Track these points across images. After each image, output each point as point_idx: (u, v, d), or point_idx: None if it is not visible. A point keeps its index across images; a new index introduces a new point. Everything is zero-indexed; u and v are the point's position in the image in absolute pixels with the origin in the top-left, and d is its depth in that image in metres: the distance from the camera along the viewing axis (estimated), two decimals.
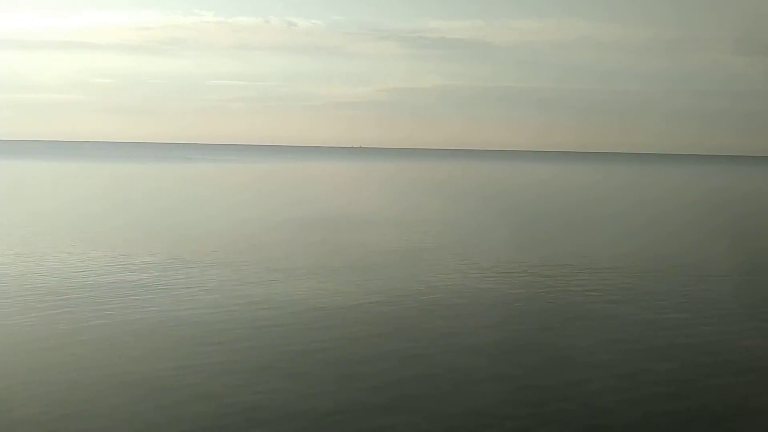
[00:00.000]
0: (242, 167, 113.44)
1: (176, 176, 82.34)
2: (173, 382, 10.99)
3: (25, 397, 10.38)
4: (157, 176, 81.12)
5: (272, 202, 45.72)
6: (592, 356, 12.71)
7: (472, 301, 17.00)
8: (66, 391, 10.64)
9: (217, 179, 77.89)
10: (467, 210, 43.24)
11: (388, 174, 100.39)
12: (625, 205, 50.63)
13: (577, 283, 19.50)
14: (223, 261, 21.95)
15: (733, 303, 17.41)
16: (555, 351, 12.99)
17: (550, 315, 15.78)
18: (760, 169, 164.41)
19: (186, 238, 27.54)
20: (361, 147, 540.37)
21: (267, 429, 9.31)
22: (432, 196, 56.19)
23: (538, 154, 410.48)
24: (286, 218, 35.42)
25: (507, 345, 13.29)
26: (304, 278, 19.41)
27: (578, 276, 20.65)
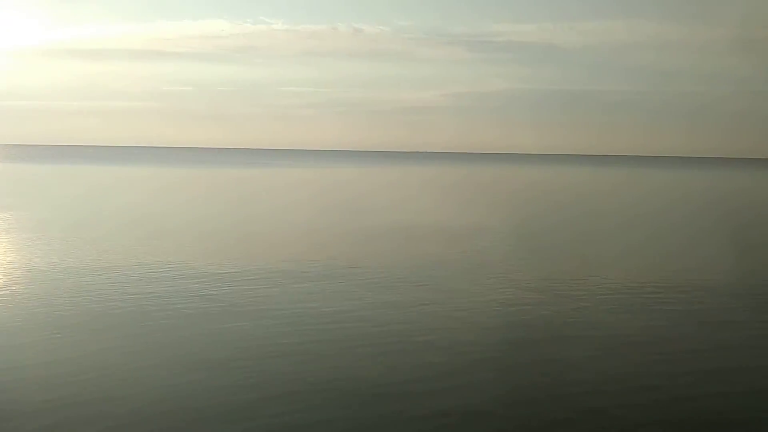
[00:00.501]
0: (313, 172, 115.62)
1: (258, 181, 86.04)
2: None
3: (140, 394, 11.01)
4: (242, 181, 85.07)
5: (355, 208, 46.09)
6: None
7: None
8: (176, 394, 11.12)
9: (296, 184, 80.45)
10: (556, 219, 41.53)
11: (458, 179, 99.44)
12: (723, 212, 48.55)
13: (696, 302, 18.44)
14: (317, 269, 22.06)
15: None
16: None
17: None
18: None
19: (280, 243, 28.56)
20: (426, 152, 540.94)
21: None
22: (514, 203, 53.68)
23: (605, 158, 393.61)
24: (368, 225, 35.21)
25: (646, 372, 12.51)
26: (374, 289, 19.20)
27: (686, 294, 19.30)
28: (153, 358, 13.10)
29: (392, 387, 11.66)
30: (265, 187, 75.80)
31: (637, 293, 19.59)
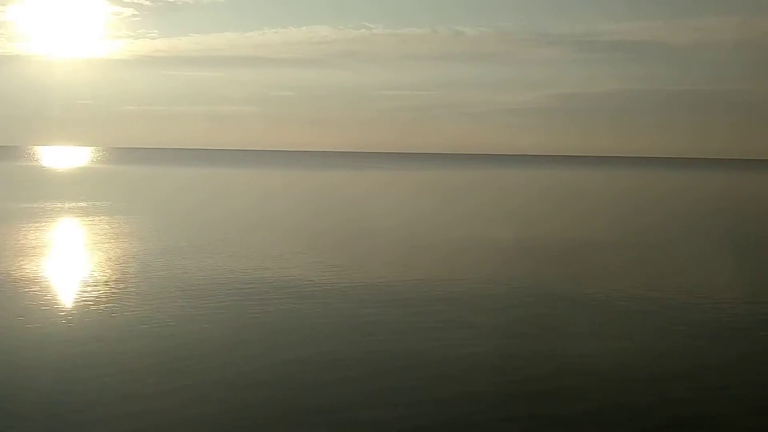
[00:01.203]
0: (417, 175, 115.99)
1: (369, 183, 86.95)
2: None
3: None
4: (351, 183, 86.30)
5: (491, 218, 43.91)
6: None
7: None
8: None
9: (396, 186, 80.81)
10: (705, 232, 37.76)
11: (565, 182, 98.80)
12: None
13: None
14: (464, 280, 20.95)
15: None
16: None
17: None
18: None
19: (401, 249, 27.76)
20: (531, 155, 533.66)
21: None
22: (660, 211, 50.01)
23: (737, 162, 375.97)
24: (524, 238, 32.39)
25: None
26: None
27: None
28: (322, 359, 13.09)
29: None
30: (378, 190, 75.77)
31: None
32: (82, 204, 44.68)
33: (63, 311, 16.21)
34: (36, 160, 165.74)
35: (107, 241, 27.80)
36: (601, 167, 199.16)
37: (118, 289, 18.49)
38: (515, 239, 31.44)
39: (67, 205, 43.83)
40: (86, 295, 17.78)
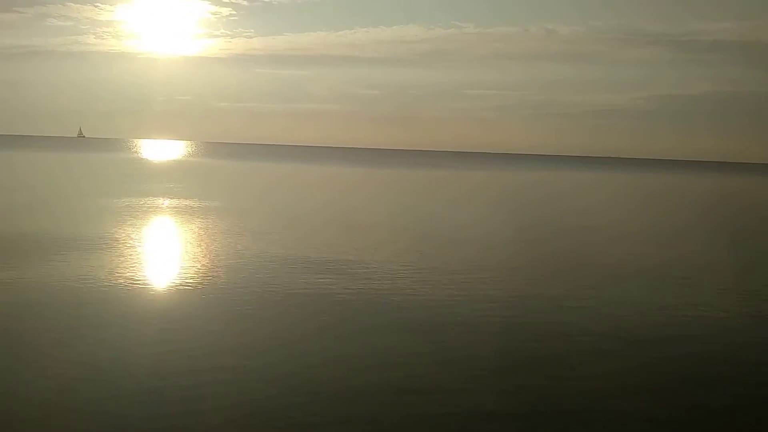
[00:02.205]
0: (501, 175, 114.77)
1: (459, 183, 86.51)
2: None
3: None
4: (443, 182, 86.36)
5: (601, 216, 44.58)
6: None
7: None
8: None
9: (484, 187, 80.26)
10: None
11: (658, 187, 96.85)
12: None
13: None
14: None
15: None
16: None
17: None
18: None
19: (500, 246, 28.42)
20: (625, 158, 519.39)
21: None
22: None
23: None
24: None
25: None
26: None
27: None
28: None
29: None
30: (468, 189, 76.12)
31: None
32: (191, 201, 45.14)
33: (162, 292, 17.53)
34: (138, 152, 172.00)
35: (218, 236, 28.01)
36: (697, 171, 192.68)
37: (217, 275, 19.33)
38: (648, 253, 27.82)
39: (176, 201, 44.52)
40: (186, 278, 18.87)
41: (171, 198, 43.87)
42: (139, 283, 18.10)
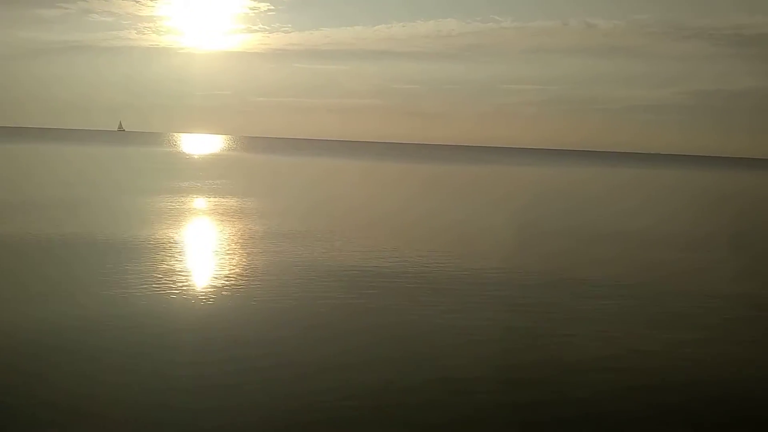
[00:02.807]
0: (540, 171, 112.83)
1: (503, 179, 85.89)
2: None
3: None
4: (485, 178, 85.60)
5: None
6: None
7: None
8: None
9: (528, 183, 79.19)
10: None
11: (709, 185, 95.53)
12: None
13: None
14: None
15: None
16: None
17: None
18: None
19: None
20: (667, 154, 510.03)
21: None
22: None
23: None
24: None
25: None
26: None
27: None
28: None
29: None
30: (514, 184, 74.58)
31: None
32: (239, 199, 44.90)
33: (203, 289, 17.32)
34: (178, 147, 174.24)
35: (267, 229, 28.45)
36: (741, 169, 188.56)
37: (260, 271, 19.39)
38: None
39: (226, 200, 44.29)
40: (227, 272, 19.06)
41: (220, 196, 43.20)
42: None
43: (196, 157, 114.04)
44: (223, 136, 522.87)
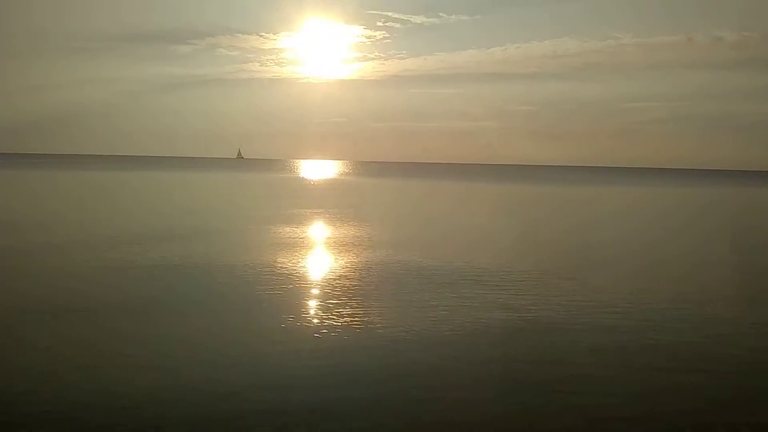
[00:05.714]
0: (681, 192, 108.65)
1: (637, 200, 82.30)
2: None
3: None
4: (615, 198, 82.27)
5: None
6: None
7: None
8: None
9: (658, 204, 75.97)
10: None
11: None
12: None
13: None
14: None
15: None
16: None
17: None
18: None
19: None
20: None
21: None
22: None
23: None
24: None
25: None
26: None
27: None
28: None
29: None
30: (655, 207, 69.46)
31: None
32: (368, 228, 43.87)
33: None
34: (300, 173, 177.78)
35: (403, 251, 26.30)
36: None
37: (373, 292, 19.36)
38: None
39: (357, 230, 43.17)
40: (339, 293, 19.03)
41: (352, 224, 40.65)
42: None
43: (314, 182, 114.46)
44: (341, 161, 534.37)
